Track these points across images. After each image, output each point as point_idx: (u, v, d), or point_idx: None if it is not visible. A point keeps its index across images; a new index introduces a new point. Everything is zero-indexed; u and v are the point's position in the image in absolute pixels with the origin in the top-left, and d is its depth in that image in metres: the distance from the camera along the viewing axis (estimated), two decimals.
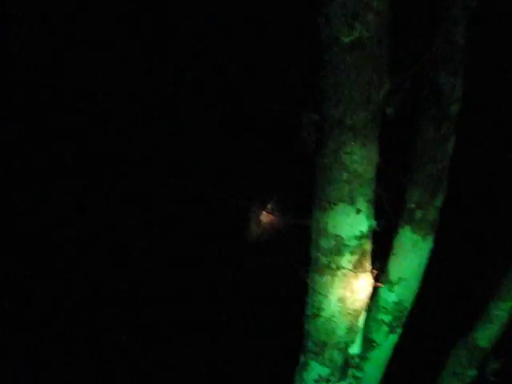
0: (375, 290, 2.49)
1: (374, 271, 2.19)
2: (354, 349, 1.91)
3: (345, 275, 1.76)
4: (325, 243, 1.75)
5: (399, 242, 2.40)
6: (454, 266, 3.17)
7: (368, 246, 1.81)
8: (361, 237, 1.75)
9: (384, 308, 2.48)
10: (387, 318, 2.49)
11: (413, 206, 2.34)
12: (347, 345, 1.86)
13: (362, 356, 2.52)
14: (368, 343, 2.51)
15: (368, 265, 1.83)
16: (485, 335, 2.40)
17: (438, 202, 2.36)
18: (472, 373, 2.45)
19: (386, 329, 2.50)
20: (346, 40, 1.57)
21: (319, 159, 1.72)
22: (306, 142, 1.68)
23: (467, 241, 3.29)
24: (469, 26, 2.27)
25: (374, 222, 1.81)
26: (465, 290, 3.04)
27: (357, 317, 1.86)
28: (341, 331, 1.83)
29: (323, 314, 1.83)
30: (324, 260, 1.76)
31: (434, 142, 2.31)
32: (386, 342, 2.54)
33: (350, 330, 1.85)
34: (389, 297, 2.46)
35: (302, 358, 1.95)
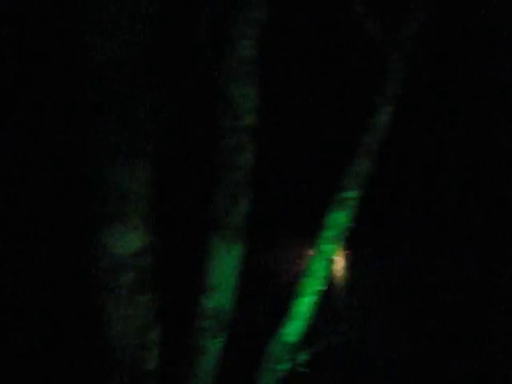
0: (195, 298, 2.55)
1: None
2: (150, 365, 1.92)
3: (125, 293, 1.76)
4: (101, 262, 1.74)
5: (210, 250, 2.47)
6: None
7: (148, 261, 1.82)
8: (138, 253, 1.76)
9: (204, 315, 2.53)
10: (209, 325, 2.54)
11: (218, 214, 2.42)
12: (141, 361, 1.87)
13: (192, 362, 2.59)
14: (195, 350, 2.56)
15: (151, 280, 1.85)
16: (291, 330, 2.55)
17: (243, 208, 2.46)
18: (284, 366, 2.59)
19: (208, 335, 2.56)
20: (96, 60, 1.58)
21: (89, 178, 1.71)
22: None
23: None
24: (260, 40, 2.39)
25: (152, 238, 1.82)
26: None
27: (146, 333, 1.87)
28: (131, 349, 1.83)
29: (113, 332, 1.82)
30: (103, 279, 1.75)
31: (233, 151, 2.40)
32: (212, 348, 2.60)
33: (142, 346, 1.85)
34: (207, 304, 2.52)
35: (101, 377, 1.93)
